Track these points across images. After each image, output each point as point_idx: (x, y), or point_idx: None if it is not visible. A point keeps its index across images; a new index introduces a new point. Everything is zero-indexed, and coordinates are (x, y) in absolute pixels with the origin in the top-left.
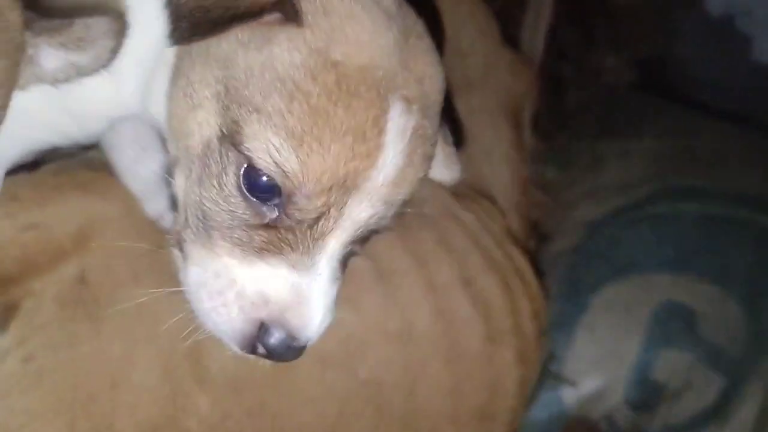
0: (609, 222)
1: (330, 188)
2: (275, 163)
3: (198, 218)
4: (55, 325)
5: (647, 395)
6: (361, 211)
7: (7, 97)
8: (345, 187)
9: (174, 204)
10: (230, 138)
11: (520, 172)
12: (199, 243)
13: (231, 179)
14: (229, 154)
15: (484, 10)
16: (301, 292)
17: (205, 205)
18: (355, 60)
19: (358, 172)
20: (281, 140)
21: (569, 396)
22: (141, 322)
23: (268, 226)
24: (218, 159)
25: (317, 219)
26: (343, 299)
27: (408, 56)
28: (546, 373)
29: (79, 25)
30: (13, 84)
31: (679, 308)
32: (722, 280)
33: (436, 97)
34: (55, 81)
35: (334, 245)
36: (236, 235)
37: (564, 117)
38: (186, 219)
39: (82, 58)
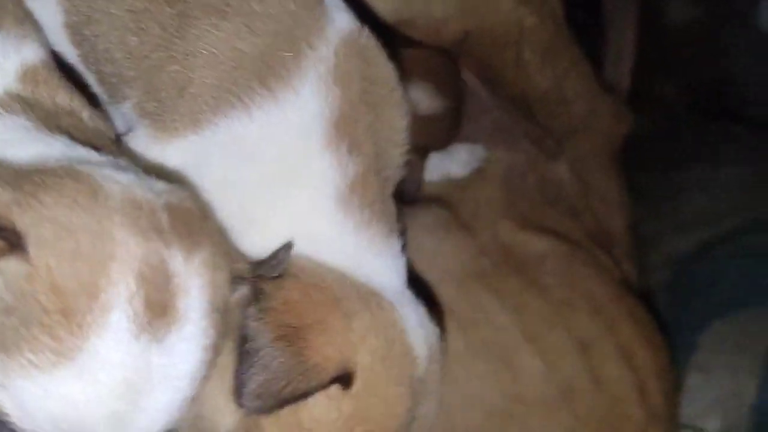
0: (700, 257)
1: None
2: None
3: None
4: None
5: None
6: None
7: None
8: None
9: None
10: None
11: (631, 216)
12: None
13: None
14: None
15: (584, 58)
16: None
17: None
18: None
19: None
20: None
21: None
22: None
23: None
24: None
25: None
26: (490, 373)
27: None
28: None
29: None
30: None
31: None
32: None
33: None
34: None
35: None
36: None
37: (629, 148)
38: None
39: None
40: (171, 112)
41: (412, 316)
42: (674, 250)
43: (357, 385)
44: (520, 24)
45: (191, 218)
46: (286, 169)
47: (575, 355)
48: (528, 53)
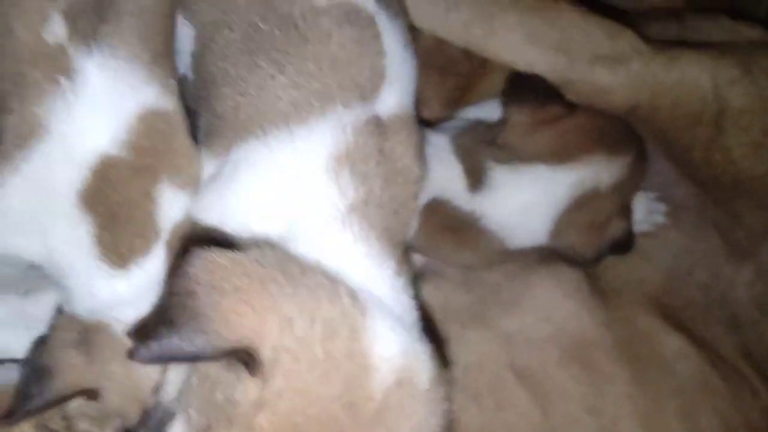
0: None
1: None
2: None
3: None
4: None
5: None
6: None
7: None
8: None
9: None
10: None
11: None
12: None
13: None
14: None
15: None
16: None
17: None
18: None
19: None
20: None
21: None
22: None
23: None
24: None
25: None
26: None
27: None
28: None
29: None
30: None
31: None
32: None
33: None
34: None
35: None
36: None
37: None
38: None
39: None
40: (217, 136)
41: (388, 327)
42: None
43: (270, 371)
44: (722, 104)
45: None
46: (288, 185)
47: None
48: (734, 135)
